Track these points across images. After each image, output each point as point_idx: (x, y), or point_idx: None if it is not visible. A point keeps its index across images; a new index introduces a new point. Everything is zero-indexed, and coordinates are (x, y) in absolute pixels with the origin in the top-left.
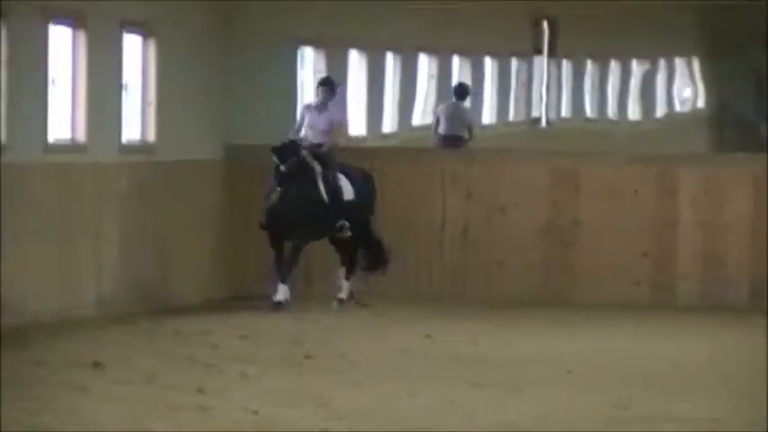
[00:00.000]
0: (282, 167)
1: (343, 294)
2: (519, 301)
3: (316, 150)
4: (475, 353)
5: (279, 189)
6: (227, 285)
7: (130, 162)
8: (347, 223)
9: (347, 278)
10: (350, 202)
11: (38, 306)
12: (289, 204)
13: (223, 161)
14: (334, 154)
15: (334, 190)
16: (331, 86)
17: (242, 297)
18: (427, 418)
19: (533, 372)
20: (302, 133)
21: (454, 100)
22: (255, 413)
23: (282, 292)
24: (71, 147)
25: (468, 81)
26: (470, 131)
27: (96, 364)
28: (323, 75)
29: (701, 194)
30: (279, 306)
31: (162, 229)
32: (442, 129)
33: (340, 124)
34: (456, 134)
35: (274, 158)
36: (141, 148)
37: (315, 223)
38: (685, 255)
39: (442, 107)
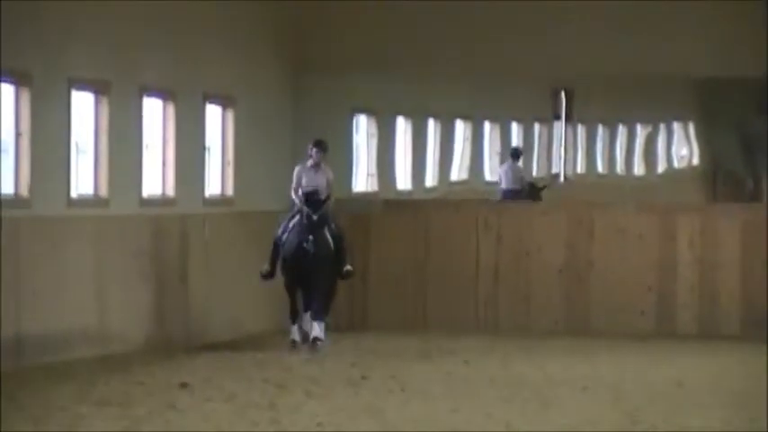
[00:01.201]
0: (315, 216)
1: (321, 333)
2: (542, 330)
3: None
4: (507, 375)
5: (311, 236)
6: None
7: (212, 213)
8: (350, 267)
9: (322, 319)
10: None
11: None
12: (318, 249)
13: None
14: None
15: (336, 239)
16: (324, 147)
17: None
18: (467, 428)
19: (557, 390)
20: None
21: (510, 161)
22: (321, 426)
23: (300, 332)
24: (162, 200)
25: (496, 142)
26: (522, 185)
27: (184, 385)
28: (374, 136)
29: (697, 238)
30: (301, 344)
31: (233, 270)
32: (503, 184)
33: (331, 182)
34: (514, 188)
35: (306, 208)
36: (222, 200)
37: (330, 267)
38: (684, 289)
39: (503, 167)
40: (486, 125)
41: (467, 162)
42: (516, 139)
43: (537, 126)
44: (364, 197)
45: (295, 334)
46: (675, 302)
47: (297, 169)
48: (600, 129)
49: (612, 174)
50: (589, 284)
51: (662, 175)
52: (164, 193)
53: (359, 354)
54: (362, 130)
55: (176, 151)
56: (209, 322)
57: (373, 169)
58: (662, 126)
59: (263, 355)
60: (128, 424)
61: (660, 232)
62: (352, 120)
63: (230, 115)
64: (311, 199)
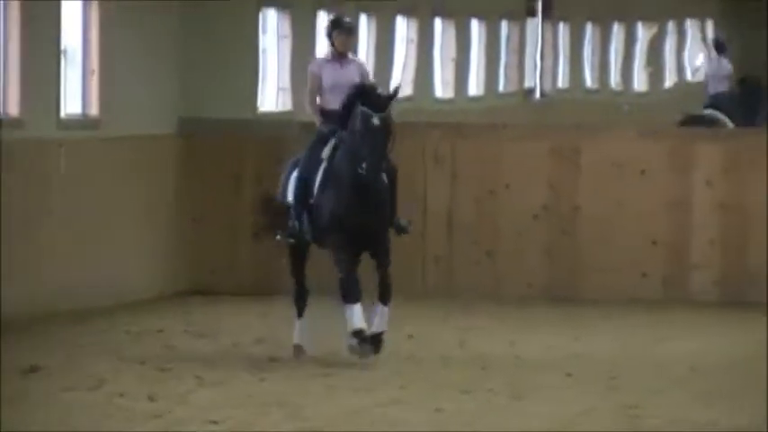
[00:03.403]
0: (376, 120)
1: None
2: (511, 296)
3: None
4: (464, 356)
5: (368, 157)
6: (183, 278)
7: (71, 138)
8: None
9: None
10: None
11: None
12: (376, 187)
13: (177, 136)
14: None
15: (390, 170)
16: (350, 29)
17: (200, 291)
18: (411, 428)
19: (533, 377)
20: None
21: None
22: (214, 423)
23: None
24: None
25: (451, 46)
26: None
27: (34, 369)
28: (287, 38)
29: (718, 174)
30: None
31: (108, 214)
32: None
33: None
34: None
35: (365, 108)
36: (83, 122)
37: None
38: (700, 243)
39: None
40: (437, 23)
41: (411, 72)
42: (477, 42)
43: (504, 25)
44: (274, 118)
45: (301, 334)
46: (689, 261)
47: (311, 67)
48: (589, 28)
49: (606, 89)
50: (575, 236)
51: (671, 91)
52: (4, 112)
53: (268, 326)
54: (272, 29)
55: (22, 56)
56: (70, 284)
57: (286, 82)
58: (670, 24)
59: (142, 329)
60: None
61: (669, 167)
62: (257, 16)
63: (94, 8)
64: (369, 91)
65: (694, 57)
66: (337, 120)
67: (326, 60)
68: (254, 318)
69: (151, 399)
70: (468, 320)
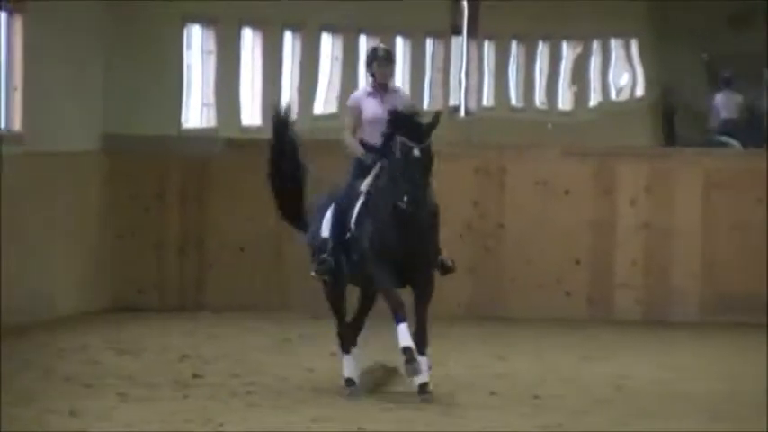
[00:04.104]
0: (417, 151)
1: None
2: (436, 314)
3: None
4: (388, 372)
5: (409, 190)
6: (107, 294)
7: None
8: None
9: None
10: None
11: None
12: (425, 212)
13: (102, 152)
14: None
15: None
16: (390, 58)
17: (125, 308)
18: None
19: (457, 395)
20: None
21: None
22: None
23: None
24: None
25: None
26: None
27: None
28: (211, 54)
29: (642, 195)
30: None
31: (32, 230)
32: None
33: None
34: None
35: (404, 139)
36: (6, 138)
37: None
38: (624, 262)
39: (718, 96)
40: (363, 40)
41: (336, 90)
42: (403, 59)
43: (430, 42)
44: (199, 134)
45: (351, 368)
46: (613, 280)
47: (350, 101)
48: (514, 47)
49: (531, 107)
50: (499, 254)
51: (596, 110)
52: None
53: (191, 343)
54: (196, 45)
55: None
56: None
57: (210, 98)
58: (596, 44)
59: (67, 345)
60: None
61: (593, 186)
62: (182, 32)
63: (17, 24)
64: (408, 121)
65: (619, 76)
66: (378, 152)
67: (367, 93)
68: (178, 334)
69: (73, 414)
70: (387, 339)
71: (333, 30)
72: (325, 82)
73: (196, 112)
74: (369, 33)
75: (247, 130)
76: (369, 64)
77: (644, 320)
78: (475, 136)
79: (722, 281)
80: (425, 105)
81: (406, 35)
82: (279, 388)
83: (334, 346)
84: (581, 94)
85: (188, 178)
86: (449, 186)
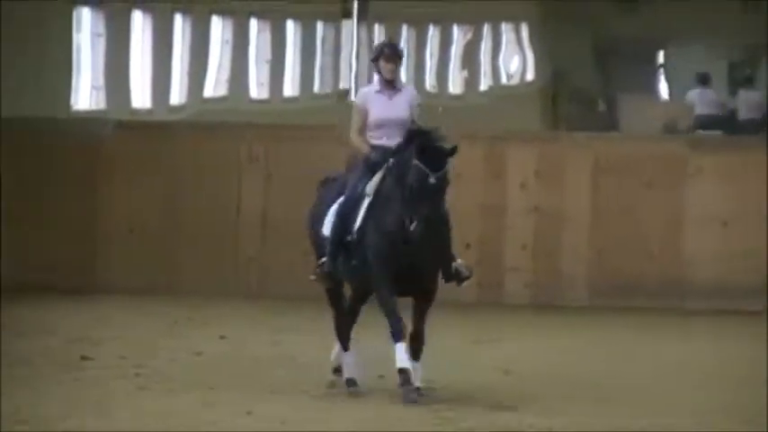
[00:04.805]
0: (433, 179)
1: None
2: (325, 297)
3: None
4: (278, 355)
5: (419, 217)
6: None
7: None
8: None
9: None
10: None
11: None
12: (434, 238)
13: None
14: None
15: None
16: (398, 56)
17: (13, 289)
18: (221, 429)
19: (342, 378)
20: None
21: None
22: (24, 422)
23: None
24: None
25: (267, 47)
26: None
27: None
28: (101, 36)
29: (532, 178)
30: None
31: None
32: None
33: (419, 108)
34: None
35: (419, 163)
36: None
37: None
38: (514, 246)
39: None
40: (253, 24)
41: (226, 73)
42: (293, 44)
43: (320, 26)
44: (88, 117)
45: (351, 367)
46: (503, 264)
47: (357, 99)
48: (404, 30)
49: (421, 91)
50: None
51: (486, 94)
52: None
53: (81, 326)
54: (86, 27)
55: None
56: None
57: (100, 80)
58: (486, 28)
59: None
60: None
61: (484, 170)
62: (71, 14)
63: None
64: (428, 145)
65: (509, 60)
66: (389, 153)
67: (375, 91)
68: (68, 316)
69: None
70: (281, 322)
71: (223, 13)
72: (215, 65)
73: (86, 95)
74: (259, 17)
75: (137, 112)
76: (375, 60)
77: (533, 304)
78: None
79: (611, 265)
80: (316, 88)
81: (296, 19)
82: (168, 371)
83: (223, 328)
84: (471, 78)
85: (78, 160)
86: (337, 169)
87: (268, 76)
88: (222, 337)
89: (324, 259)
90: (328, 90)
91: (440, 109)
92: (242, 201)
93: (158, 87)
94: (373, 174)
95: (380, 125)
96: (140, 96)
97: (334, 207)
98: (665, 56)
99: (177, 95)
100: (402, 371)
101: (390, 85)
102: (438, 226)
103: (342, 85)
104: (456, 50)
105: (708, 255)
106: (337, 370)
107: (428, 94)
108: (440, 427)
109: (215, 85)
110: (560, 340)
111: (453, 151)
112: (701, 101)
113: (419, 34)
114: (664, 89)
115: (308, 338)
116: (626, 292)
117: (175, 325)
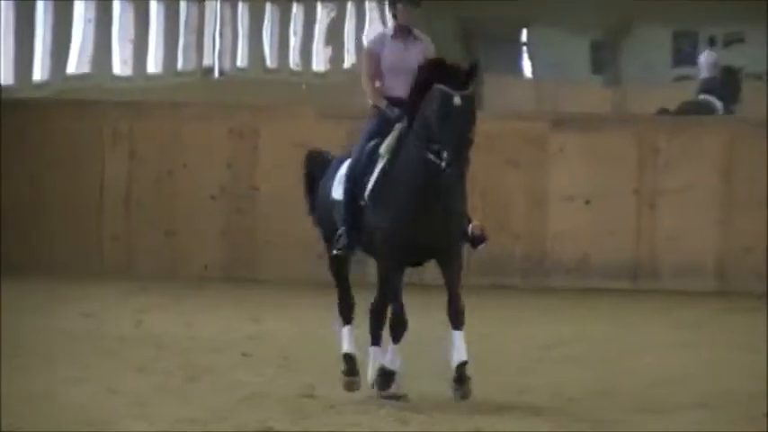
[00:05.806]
0: (458, 99)
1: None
2: (189, 277)
3: None
4: (140, 336)
5: (451, 147)
6: None
7: None
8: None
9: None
10: None
11: None
12: (448, 194)
13: None
14: None
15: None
16: (418, 1)
17: None
18: (88, 408)
19: (210, 357)
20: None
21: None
22: None
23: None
24: None
25: (130, 26)
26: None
27: None
28: None
29: None
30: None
31: None
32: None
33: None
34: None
35: (442, 86)
36: None
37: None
38: None
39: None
40: (116, 2)
41: (89, 51)
42: (156, 21)
43: (183, 4)
44: None
45: (351, 342)
46: None
47: (369, 45)
48: (269, 7)
49: (285, 68)
50: (254, 216)
51: (350, 72)
52: None
53: None
54: None
55: None
56: None
57: None
58: (350, 6)
59: None
60: None
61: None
62: None
63: None
64: (445, 65)
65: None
66: (404, 106)
67: (389, 36)
68: None
69: None
70: (145, 300)
71: None
72: (78, 43)
73: None
74: None
75: None
76: (392, 3)
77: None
78: (229, 96)
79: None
80: (179, 66)
81: None
82: (31, 350)
83: (86, 306)
84: (335, 56)
85: None
86: (202, 148)
87: (131, 53)
88: (86, 316)
89: (340, 231)
90: (191, 67)
91: (304, 86)
92: (105, 179)
93: (21, 65)
94: (388, 131)
95: (392, 72)
96: (2, 74)
97: (343, 170)
98: (528, 35)
99: (39, 71)
100: (383, 369)
101: (406, 32)
102: (457, 187)
103: (205, 63)
104: (320, 28)
105: (571, 233)
106: (347, 357)
107: (292, 72)
108: (302, 403)
109: (78, 63)
110: (423, 317)
111: (475, 69)
112: (706, 63)
113: (283, 12)
114: (527, 68)
115: (172, 318)
116: (490, 271)
117: (40, 303)
